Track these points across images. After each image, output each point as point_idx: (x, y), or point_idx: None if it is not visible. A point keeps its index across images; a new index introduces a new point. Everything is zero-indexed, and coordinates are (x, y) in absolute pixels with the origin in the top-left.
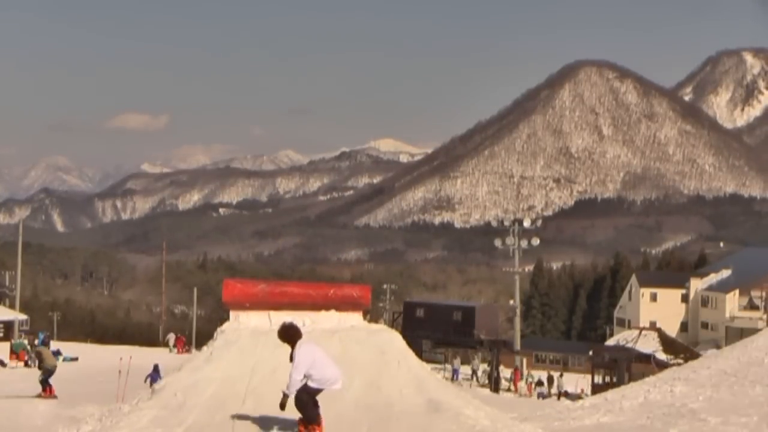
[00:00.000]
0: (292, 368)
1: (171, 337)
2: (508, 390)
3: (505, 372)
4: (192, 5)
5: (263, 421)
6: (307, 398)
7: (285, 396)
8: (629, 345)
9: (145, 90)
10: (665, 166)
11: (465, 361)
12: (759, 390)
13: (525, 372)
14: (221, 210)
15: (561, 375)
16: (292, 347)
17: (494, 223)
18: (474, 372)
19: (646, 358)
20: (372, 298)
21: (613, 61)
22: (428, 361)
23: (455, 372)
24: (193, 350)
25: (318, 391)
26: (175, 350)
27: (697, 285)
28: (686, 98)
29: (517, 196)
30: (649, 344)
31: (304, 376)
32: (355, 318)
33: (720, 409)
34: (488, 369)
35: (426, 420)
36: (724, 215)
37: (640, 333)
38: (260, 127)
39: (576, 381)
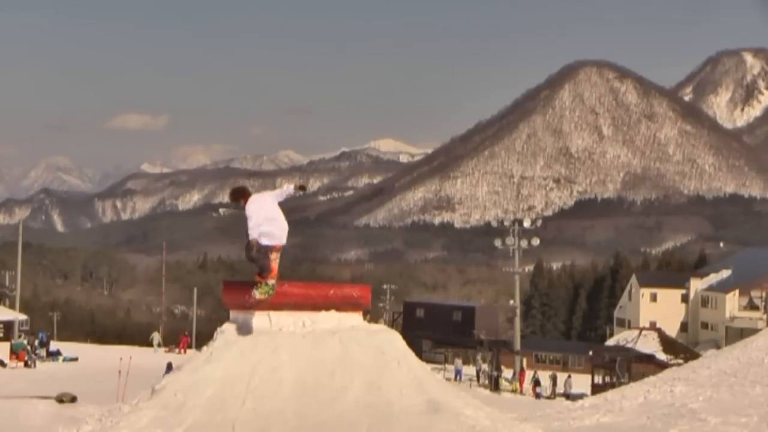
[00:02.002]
0: (247, 219)
1: (155, 336)
2: (513, 391)
3: (506, 372)
4: (192, 5)
5: (263, 421)
6: (257, 254)
7: (249, 243)
8: (629, 345)
9: (145, 90)
10: (665, 166)
11: (465, 362)
12: (759, 390)
13: (531, 372)
14: (221, 210)
15: (569, 376)
16: (245, 203)
17: (494, 223)
18: (478, 372)
19: (647, 359)
20: (372, 298)
21: (613, 61)
22: (428, 361)
23: (458, 372)
24: (182, 350)
25: (269, 248)
26: (161, 350)
27: (697, 285)
28: (686, 98)
29: (517, 196)
30: (649, 344)
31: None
32: (355, 318)
33: (720, 409)
34: (488, 369)
35: (426, 420)
36: (724, 215)
37: (640, 333)
38: (260, 127)
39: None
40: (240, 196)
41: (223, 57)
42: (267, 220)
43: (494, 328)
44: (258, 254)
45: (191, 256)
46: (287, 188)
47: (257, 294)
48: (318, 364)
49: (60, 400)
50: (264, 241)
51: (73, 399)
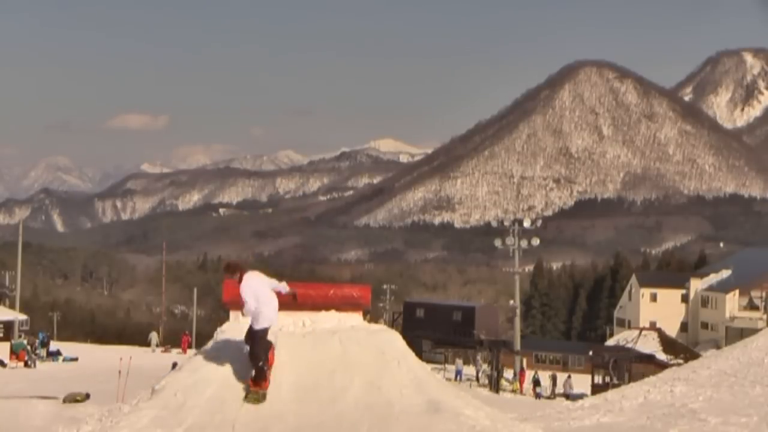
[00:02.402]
0: (243, 300)
1: (153, 337)
2: (513, 391)
3: (507, 372)
4: (192, 5)
5: (263, 422)
6: (259, 349)
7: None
8: (629, 345)
9: (145, 90)
10: (665, 166)
11: (465, 362)
12: (759, 390)
13: (531, 372)
14: (221, 210)
15: (569, 377)
16: (239, 281)
17: (494, 224)
18: (478, 372)
19: (647, 359)
20: (372, 298)
21: (613, 61)
22: (428, 361)
23: (458, 373)
24: (179, 350)
25: (264, 332)
26: (159, 350)
27: (697, 285)
28: (686, 98)
29: (517, 196)
30: (649, 344)
31: (254, 311)
32: (355, 318)
33: (720, 409)
34: (488, 369)
35: (426, 420)
36: (724, 215)
37: (640, 333)
38: (260, 127)
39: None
40: (236, 269)
41: (223, 57)
42: (262, 303)
43: (494, 328)
44: (258, 349)
45: (191, 256)
46: (284, 286)
47: (248, 401)
48: (318, 365)
49: (75, 399)
50: (260, 325)
51: (87, 396)
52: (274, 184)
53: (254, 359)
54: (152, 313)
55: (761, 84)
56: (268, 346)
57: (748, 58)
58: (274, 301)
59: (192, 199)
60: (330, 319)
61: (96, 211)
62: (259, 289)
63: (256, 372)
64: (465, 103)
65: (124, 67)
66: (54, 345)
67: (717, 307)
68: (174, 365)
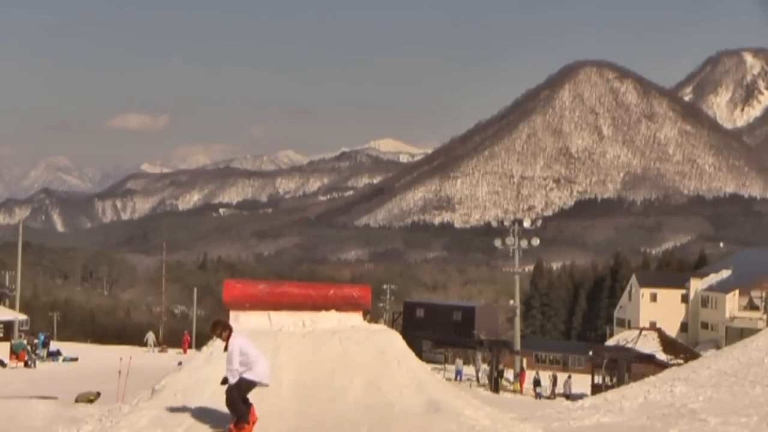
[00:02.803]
0: (226, 360)
1: (150, 336)
2: (513, 391)
3: (508, 373)
4: (192, 5)
5: (263, 422)
6: (237, 396)
7: (225, 380)
8: (629, 345)
9: (145, 90)
10: (665, 166)
11: (466, 362)
12: (759, 390)
13: (532, 372)
14: (221, 210)
15: (569, 377)
16: (226, 341)
17: (494, 224)
18: (478, 372)
19: (647, 359)
20: (372, 298)
21: (613, 61)
22: (428, 361)
23: (458, 373)
24: (179, 350)
25: (251, 385)
26: (156, 349)
27: (697, 285)
28: (686, 98)
29: (517, 196)
30: (649, 344)
31: (240, 364)
32: (355, 318)
33: (720, 409)
34: (488, 369)
35: (426, 420)
36: (724, 215)
37: (640, 333)
38: (260, 127)
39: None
40: (223, 328)
41: (223, 56)
42: (256, 356)
43: (494, 328)
44: (236, 394)
45: (191, 256)
46: (266, 368)
47: None
48: (318, 364)
49: (88, 399)
50: (251, 377)
51: (98, 395)
52: (274, 184)
53: (233, 409)
54: (152, 313)
55: (761, 84)
56: (246, 396)
57: (748, 58)
58: (264, 359)
59: (192, 199)
60: (330, 319)
61: (96, 211)
62: (247, 348)
63: (238, 417)
64: (465, 103)
65: (124, 66)
66: (54, 345)
67: (717, 307)
68: (180, 364)
